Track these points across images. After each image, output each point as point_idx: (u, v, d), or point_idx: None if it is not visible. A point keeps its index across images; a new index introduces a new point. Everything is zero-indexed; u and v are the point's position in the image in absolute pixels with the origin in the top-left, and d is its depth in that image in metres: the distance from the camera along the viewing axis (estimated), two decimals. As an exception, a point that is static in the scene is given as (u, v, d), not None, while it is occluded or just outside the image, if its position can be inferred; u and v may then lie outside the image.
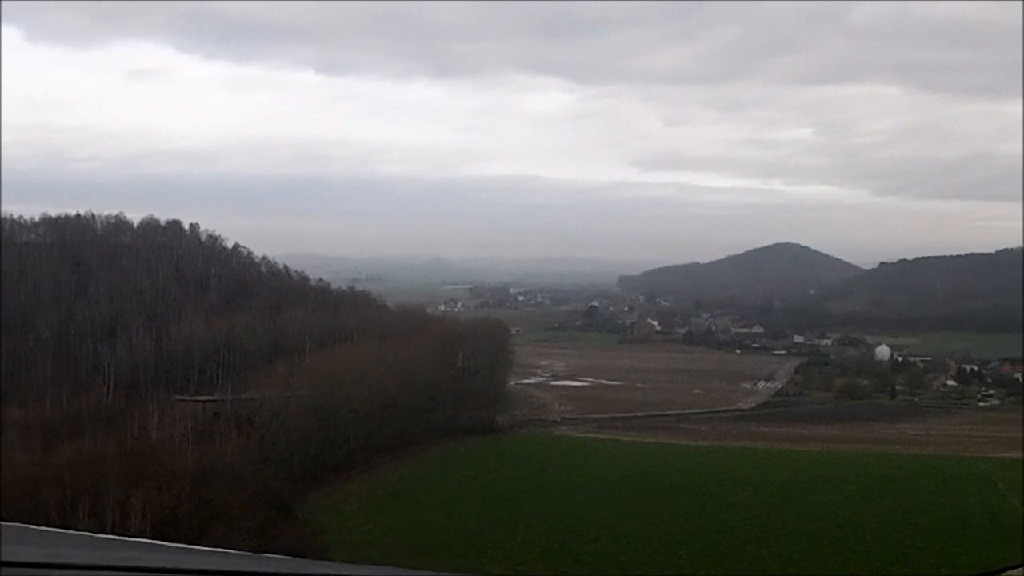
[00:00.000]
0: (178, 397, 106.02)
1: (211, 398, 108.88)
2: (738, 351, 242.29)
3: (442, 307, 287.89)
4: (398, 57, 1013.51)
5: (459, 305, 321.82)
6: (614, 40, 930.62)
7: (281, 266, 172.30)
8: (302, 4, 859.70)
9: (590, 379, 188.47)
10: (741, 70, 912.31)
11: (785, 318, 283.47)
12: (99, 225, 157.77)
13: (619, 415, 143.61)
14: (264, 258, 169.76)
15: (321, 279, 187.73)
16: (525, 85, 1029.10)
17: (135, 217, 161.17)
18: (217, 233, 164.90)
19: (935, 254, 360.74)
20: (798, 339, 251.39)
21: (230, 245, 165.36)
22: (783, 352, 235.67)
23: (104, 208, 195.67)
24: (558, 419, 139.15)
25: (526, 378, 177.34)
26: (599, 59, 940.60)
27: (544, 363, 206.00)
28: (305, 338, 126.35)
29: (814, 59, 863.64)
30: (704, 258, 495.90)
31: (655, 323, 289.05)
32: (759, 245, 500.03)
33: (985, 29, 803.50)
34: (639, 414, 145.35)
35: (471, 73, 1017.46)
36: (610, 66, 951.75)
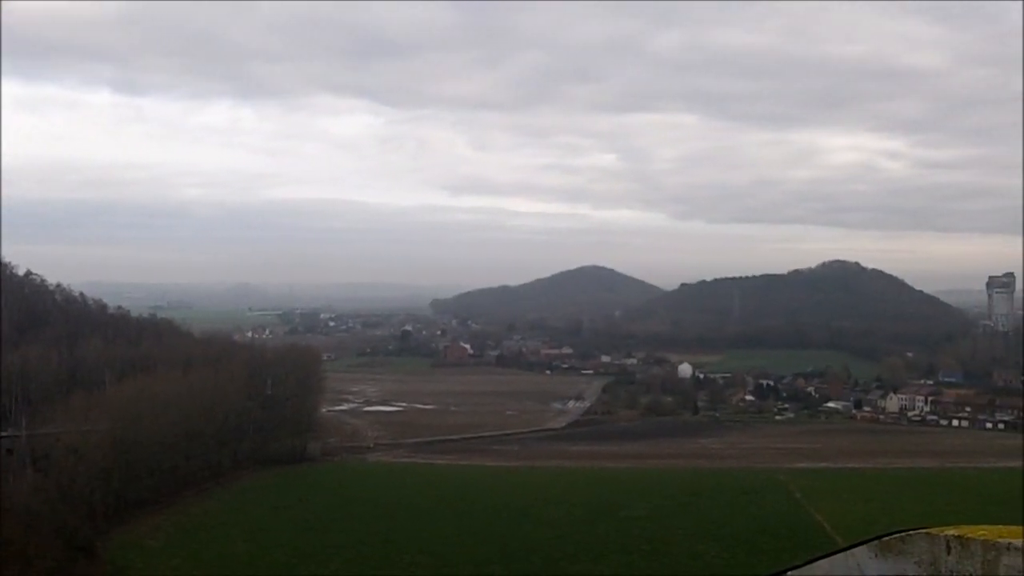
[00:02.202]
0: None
1: (4, 434, 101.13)
2: (548, 372, 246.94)
3: (249, 334, 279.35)
4: (198, 77, 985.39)
5: (267, 332, 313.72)
6: (420, 64, 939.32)
7: (77, 294, 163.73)
8: (97, 21, 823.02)
9: (404, 404, 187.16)
10: (544, 97, 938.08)
11: (592, 339, 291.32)
12: None
13: (433, 439, 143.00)
14: (59, 286, 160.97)
15: (120, 307, 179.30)
16: (332, 107, 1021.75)
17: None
18: (7, 260, 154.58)
19: (732, 275, 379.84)
20: (605, 359, 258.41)
21: (21, 272, 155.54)
22: (591, 372, 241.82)
23: None
24: (371, 445, 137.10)
25: (338, 405, 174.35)
26: (406, 83, 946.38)
27: (356, 389, 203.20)
28: (104, 368, 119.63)
29: (615, 87, 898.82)
30: (514, 281, 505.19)
31: (467, 346, 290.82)
32: (567, 268, 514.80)
33: (772, 60, 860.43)
34: (453, 437, 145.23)
35: (276, 95, 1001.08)
36: (417, 90, 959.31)
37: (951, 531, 4.26)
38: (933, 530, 4.38)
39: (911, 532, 4.49)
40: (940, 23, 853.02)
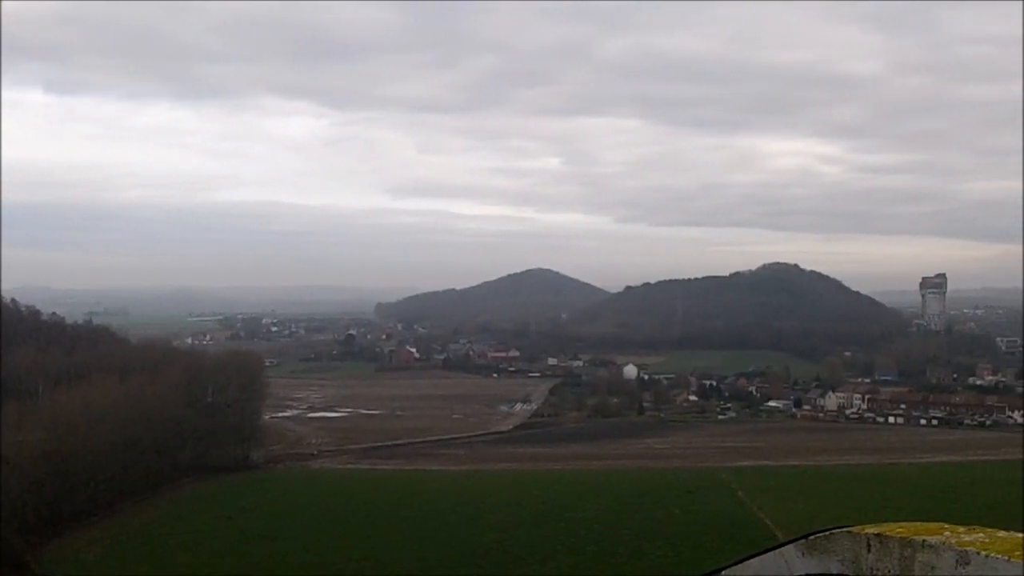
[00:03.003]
0: None
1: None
2: (495, 375, 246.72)
3: (189, 340, 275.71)
4: (137, 77, 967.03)
5: (208, 337, 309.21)
6: (367, 66, 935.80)
7: (8, 300, 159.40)
8: (29, 17, 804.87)
9: (348, 409, 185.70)
10: (493, 100, 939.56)
11: (539, 341, 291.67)
12: None
13: (379, 444, 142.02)
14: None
15: (55, 313, 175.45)
16: (276, 109, 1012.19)
17: None
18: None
19: (675, 278, 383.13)
20: (552, 361, 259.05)
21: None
22: (538, 374, 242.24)
23: None
24: (316, 452, 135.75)
25: (281, 411, 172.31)
26: (353, 84, 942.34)
27: (300, 395, 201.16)
28: (37, 377, 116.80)
29: (562, 91, 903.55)
30: (461, 284, 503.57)
31: (413, 350, 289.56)
32: (513, 271, 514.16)
33: (717, 65, 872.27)
34: (399, 442, 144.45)
35: (218, 95, 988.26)
36: (364, 92, 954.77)
37: (872, 529, 4.33)
38: (855, 528, 4.44)
39: (835, 531, 4.53)
40: (878, 31, 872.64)
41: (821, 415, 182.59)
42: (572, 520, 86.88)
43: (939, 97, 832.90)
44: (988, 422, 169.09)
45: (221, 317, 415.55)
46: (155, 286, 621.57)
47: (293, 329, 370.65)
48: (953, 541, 3.87)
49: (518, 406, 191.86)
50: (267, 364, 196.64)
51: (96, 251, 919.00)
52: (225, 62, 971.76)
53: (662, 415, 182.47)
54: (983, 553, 3.64)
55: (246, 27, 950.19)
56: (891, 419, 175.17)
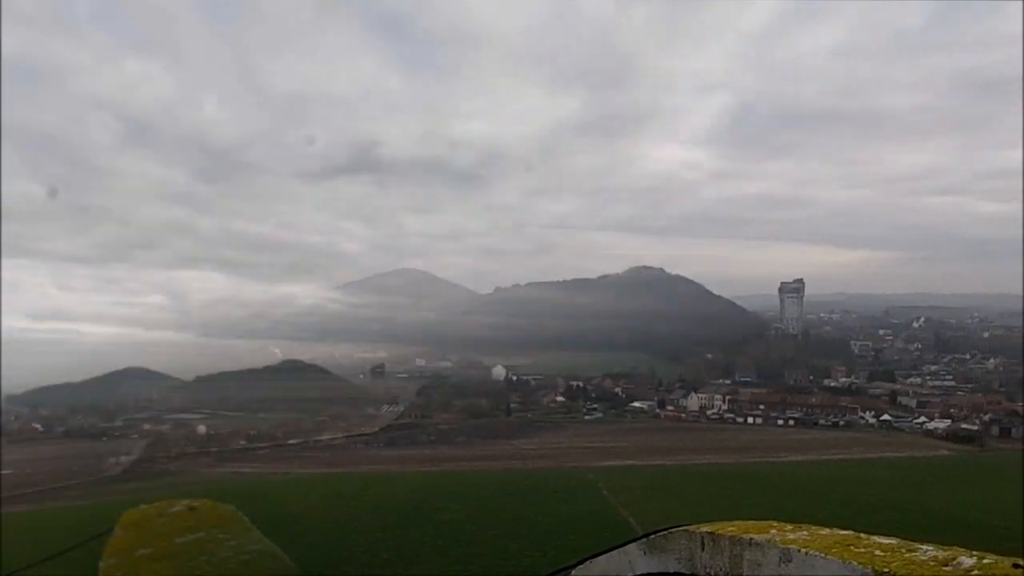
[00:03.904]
0: None
1: None
2: (362, 376, 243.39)
3: None
4: None
5: None
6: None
7: None
8: None
9: (208, 411, 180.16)
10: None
11: (408, 342, 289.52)
12: None
13: (239, 447, 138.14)
14: None
15: None
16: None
17: None
18: None
19: (545, 280, 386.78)
20: (420, 363, 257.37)
21: None
22: (406, 376, 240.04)
23: None
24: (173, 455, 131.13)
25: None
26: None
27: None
28: None
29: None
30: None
31: (277, 351, 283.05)
32: (383, 270, 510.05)
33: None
34: (261, 445, 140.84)
35: None
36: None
37: (706, 528, 4.40)
38: (691, 527, 4.52)
39: (673, 530, 4.61)
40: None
41: (684, 415, 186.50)
42: (439, 522, 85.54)
43: (800, 109, 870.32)
44: (842, 422, 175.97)
45: None
46: None
47: None
48: (778, 539, 3.99)
49: (385, 408, 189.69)
50: None
51: None
52: None
53: (530, 416, 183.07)
54: (803, 551, 3.74)
55: None
56: (750, 419, 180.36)
